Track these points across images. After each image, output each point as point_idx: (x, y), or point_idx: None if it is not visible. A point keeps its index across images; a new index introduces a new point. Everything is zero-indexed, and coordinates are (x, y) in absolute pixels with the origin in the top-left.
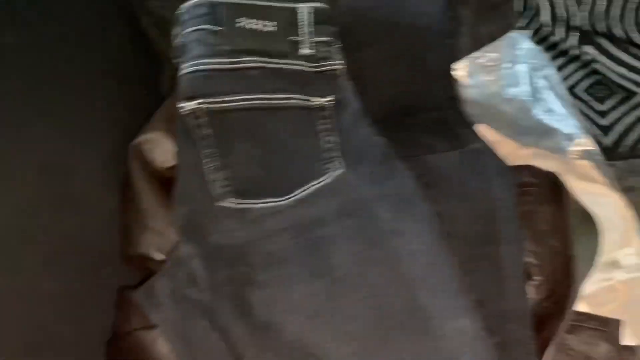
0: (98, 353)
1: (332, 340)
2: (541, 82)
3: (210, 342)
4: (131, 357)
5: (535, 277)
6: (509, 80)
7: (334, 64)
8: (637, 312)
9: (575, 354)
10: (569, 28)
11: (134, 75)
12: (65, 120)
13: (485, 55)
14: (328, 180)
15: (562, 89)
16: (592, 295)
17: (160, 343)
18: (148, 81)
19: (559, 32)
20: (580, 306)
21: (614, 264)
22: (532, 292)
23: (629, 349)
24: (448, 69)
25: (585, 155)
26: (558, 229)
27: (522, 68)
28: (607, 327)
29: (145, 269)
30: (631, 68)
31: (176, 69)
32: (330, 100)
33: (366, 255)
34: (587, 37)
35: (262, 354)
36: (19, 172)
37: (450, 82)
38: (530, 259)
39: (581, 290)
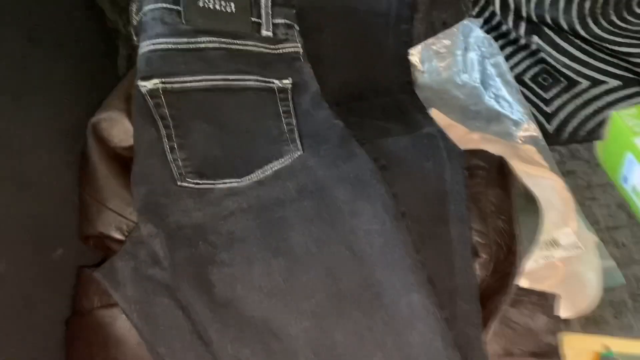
0: (56, 333)
1: (291, 316)
2: (491, 70)
3: (173, 320)
4: (92, 335)
5: (481, 255)
6: (461, 66)
7: (293, 47)
8: (573, 287)
9: (516, 326)
10: (518, 18)
11: (89, 51)
12: (18, 96)
13: (439, 42)
14: (287, 162)
15: (510, 77)
16: (532, 271)
17: (121, 321)
18: (104, 58)
19: (509, 22)
20: (522, 282)
21: (553, 243)
22: (478, 269)
23: (565, 320)
24: (404, 54)
25: (530, 140)
26: (503, 210)
27: (473, 55)
28: (545, 301)
29: (104, 248)
30: (573, 58)
31: (132, 46)
32: (289, 83)
33: (324, 235)
34: (534, 27)
35: (224, 330)
36: None
37: (406, 67)
38: (477, 238)
39: (523, 267)
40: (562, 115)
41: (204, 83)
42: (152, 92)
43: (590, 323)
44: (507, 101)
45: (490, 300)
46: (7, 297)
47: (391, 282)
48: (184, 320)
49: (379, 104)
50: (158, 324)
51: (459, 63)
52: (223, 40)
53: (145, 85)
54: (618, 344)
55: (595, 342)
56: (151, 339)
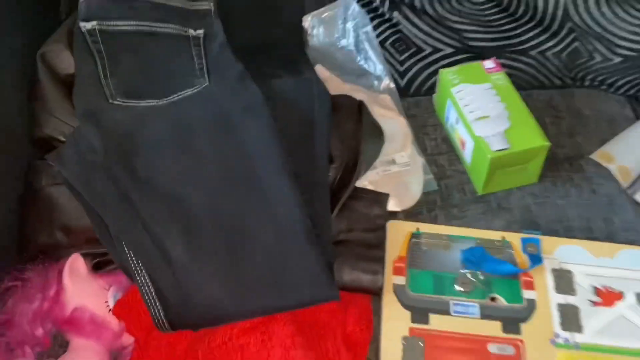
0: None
1: (194, 191)
2: (362, 36)
3: (107, 189)
4: (42, 205)
5: (335, 162)
6: (341, 33)
7: (206, 5)
8: (401, 191)
9: (358, 214)
10: None
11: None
12: None
13: (325, 13)
14: (196, 90)
15: (376, 42)
16: (375, 180)
17: (65, 194)
18: (50, 5)
19: (377, 0)
20: (366, 185)
21: (392, 162)
22: (332, 171)
23: (393, 212)
24: (298, 20)
25: (387, 91)
26: (355, 136)
27: (350, 25)
28: (380, 198)
29: (50, 149)
30: (422, 30)
31: None
32: (200, 32)
33: (220, 139)
34: (395, 5)
35: (143, 197)
36: None
37: (299, 31)
38: (334, 152)
39: (365, 175)
40: (410, 74)
41: (132, 27)
42: (90, 32)
43: (410, 215)
44: (373, 61)
45: (338, 192)
46: None
47: (268, 173)
48: (115, 189)
49: (276, 56)
50: (96, 192)
51: (339, 30)
52: None
53: (85, 25)
54: (425, 227)
55: (411, 226)
56: (90, 203)
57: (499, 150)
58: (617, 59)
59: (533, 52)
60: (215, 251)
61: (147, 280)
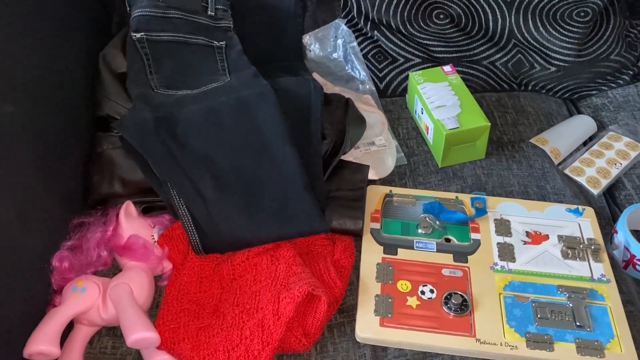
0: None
1: (220, 152)
2: (349, 50)
3: (158, 149)
4: (104, 165)
5: (327, 139)
6: (332, 48)
7: (227, 23)
8: (379, 164)
9: (344, 179)
10: (367, 19)
11: (96, 19)
12: (63, 35)
13: (320, 32)
14: (220, 83)
15: (360, 55)
16: (358, 156)
17: (122, 155)
18: (106, 24)
19: (361, 21)
20: (351, 159)
21: (372, 143)
22: (325, 144)
23: (372, 181)
24: (298, 37)
25: (369, 92)
26: (342, 121)
27: (340, 42)
28: (361, 168)
29: (107, 124)
30: (396, 45)
31: (121, 16)
32: (223, 43)
33: (240, 116)
34: (376, 25)
35: (183, 153)
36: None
37: (299, 46)
38: (326, 131)
39: (350, 152)
40: (387, 79)
41: (170, 37)
42: (139, 40)
43: (385, 182)
44: (358, 69)
45: (328, 161)
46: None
47: (275, 141)
48: (162, 147)
49: (280, 65)
50: (149, 149)
51: (331, 46)
52: (184, 13)
53: (136, 35)
54: (397, 190)
55: (385, 189)
56: (145, 157)
57: (452, 128)
58: (553, 69)
59: (485, 62)
60: (237, 193)
61: (187, 213)
